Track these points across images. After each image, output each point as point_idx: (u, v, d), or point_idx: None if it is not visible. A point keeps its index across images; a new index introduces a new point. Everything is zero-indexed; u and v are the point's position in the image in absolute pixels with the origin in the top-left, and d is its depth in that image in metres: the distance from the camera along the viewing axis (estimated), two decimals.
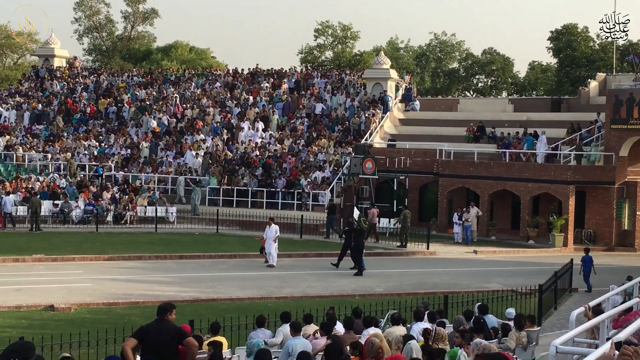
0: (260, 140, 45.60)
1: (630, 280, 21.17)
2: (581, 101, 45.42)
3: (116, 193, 39.97)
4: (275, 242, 28.62)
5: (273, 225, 28.84)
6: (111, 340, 14.25)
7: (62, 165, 43.97)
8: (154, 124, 47.94)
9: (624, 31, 41.72)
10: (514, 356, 11.74)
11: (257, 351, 9.07)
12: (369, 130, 44.13)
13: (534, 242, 36.75)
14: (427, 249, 33.65)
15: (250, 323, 15.07)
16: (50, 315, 20.33)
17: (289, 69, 55.31)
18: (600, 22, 42.04)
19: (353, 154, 40.34)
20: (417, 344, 9.91)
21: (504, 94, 79.17)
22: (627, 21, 41.15)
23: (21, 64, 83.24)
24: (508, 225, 39.34)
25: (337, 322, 14.08)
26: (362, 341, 10.64)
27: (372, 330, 12.24)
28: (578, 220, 37.23)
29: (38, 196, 37.27)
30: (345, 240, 29.36)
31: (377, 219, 36.32)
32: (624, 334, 7.98)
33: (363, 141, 42.32)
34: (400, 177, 39.81)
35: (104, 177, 43.36)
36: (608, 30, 41.55)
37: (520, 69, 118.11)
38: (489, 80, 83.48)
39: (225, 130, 46.69)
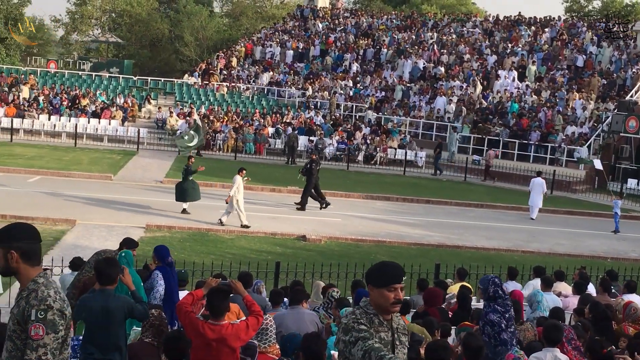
0: (516, 90, 44.34)
1: None
2: None
3: (368, 134, 40.83)
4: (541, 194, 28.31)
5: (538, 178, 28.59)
6: (359, 275, 14.65)
7: (319, 103, 45.56)
8: (441, 69, 47.94)
9: (624, 31, 40.33)
10: None
11: None
12: (635, 86, 41.41)
13: None
14: None
15: (495, 273, 14.82)
16: (302, 244, 21.29)
17: (554, 18, 53.09)
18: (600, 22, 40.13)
19: (615, 111, 38.22)
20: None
21: None
22: (627, 21, 40.02)
23: (287, 3, 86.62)
24: None
25: (590, 283, 13.52)
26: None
27: (633, 297, 11.56)
28: None
29: (296, 132, 39.04)
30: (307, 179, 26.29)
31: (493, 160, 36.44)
32: None
33: (628, 97, 39.86)
34: None
35: (357, 117, 44.46)
36: (608, 31, 39.02)
37: None
38: None
39: (480, 78, 45.88)
